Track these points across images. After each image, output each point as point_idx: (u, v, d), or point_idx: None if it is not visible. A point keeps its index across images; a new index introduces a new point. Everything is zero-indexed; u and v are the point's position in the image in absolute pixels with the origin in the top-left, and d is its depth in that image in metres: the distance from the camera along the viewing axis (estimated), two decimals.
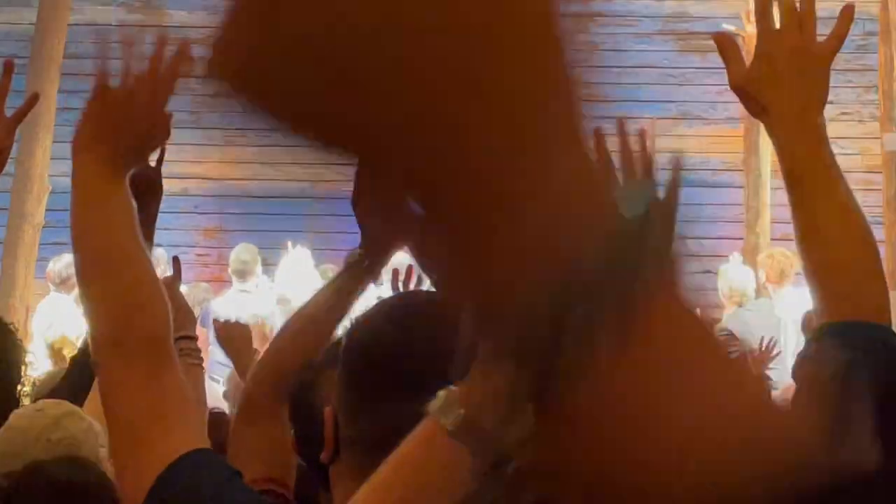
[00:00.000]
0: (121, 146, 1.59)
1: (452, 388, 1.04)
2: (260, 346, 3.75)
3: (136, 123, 1.60)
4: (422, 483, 1.03)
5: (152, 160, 3.30)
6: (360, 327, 1.46)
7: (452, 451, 1.01)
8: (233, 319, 3.96)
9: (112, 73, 1.64)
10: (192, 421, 1.53)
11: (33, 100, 2.45)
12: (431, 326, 1.37)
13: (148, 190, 3.26)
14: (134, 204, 1.56)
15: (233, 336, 3.69)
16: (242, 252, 7.80)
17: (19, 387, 3.08)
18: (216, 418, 3.21)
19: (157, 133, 1.65)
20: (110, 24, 11.47)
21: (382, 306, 1.47)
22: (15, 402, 3.00)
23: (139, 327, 1.49)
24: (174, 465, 1.41)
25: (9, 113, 2.34)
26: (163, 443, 1.43)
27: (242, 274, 7.53)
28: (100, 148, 1.58)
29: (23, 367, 3.07)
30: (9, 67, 2.33)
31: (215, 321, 3.91)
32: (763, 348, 5.97)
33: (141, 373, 1.47)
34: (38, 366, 3.63)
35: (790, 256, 7.68)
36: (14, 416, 2.70)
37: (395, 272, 2.51)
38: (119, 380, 1.49)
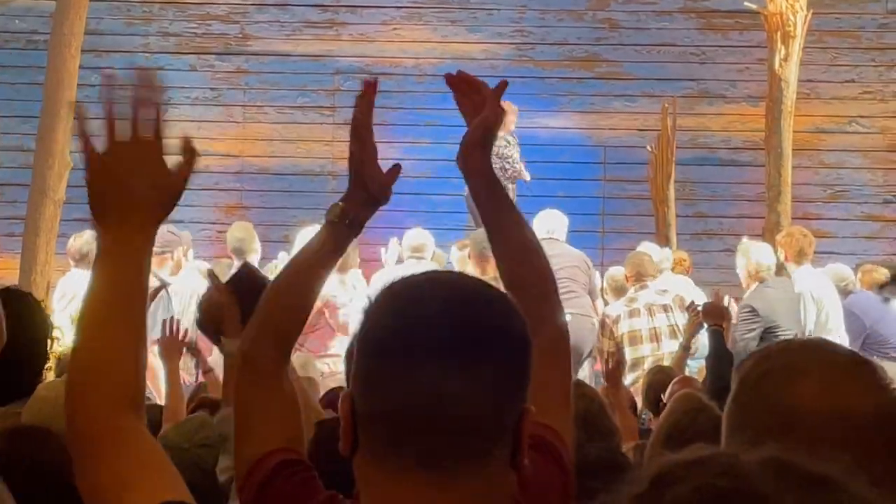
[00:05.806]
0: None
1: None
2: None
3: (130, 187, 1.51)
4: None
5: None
6: (393, 286, 1.39)
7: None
8: None
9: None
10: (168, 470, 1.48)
11: None
12: (464, 302, 1.34)
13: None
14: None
15: None
16: (237, 230, 7.75)
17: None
18: None
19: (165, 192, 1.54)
20: (131, 1, 11.48)
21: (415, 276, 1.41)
22: (40, 377, 3.02)
23: None
24: None
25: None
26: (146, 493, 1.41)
27: (241, 252, 7.46)
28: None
29: (49, 342, 3.08)
30: None
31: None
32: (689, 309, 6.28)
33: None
34: (62, 341, 3.64)
35: (808, 235, 7.69)
36: (41, 388, 2.72)
37: None
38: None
